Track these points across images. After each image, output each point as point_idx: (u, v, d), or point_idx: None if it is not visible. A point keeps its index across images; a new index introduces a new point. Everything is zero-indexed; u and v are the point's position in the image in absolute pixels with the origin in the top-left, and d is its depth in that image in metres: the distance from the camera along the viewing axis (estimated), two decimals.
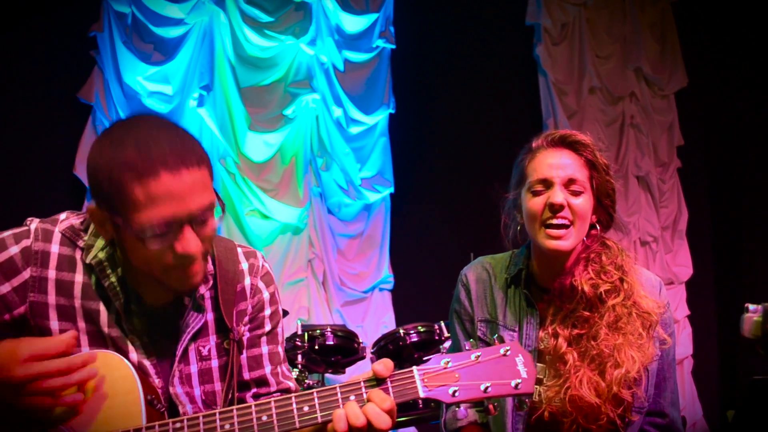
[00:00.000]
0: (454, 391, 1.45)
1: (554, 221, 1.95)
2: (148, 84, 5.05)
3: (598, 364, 1.92)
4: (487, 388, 1.46)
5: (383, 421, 1.42)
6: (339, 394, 1.46)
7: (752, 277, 5.93)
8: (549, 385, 1.99)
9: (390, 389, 1.47)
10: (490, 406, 1.49)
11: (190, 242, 1.48)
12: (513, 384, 1.46)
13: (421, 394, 1.45)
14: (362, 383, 1.47)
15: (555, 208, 1.95)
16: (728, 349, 6.11)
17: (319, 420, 1.44)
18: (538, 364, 2.03)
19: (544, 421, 1.99)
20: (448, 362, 1.48)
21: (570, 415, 1.93)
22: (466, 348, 1.52)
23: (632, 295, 1.96)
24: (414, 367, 1.49)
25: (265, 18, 5.31)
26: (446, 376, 1.47)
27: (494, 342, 1.53)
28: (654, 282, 2.08)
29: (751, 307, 1.51)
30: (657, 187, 6.10)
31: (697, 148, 6.35)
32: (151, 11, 5.05)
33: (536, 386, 2.01)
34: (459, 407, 1.49)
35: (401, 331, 3.96)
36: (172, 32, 5.14)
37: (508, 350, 1.50)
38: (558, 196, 1.95)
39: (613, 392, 1.89)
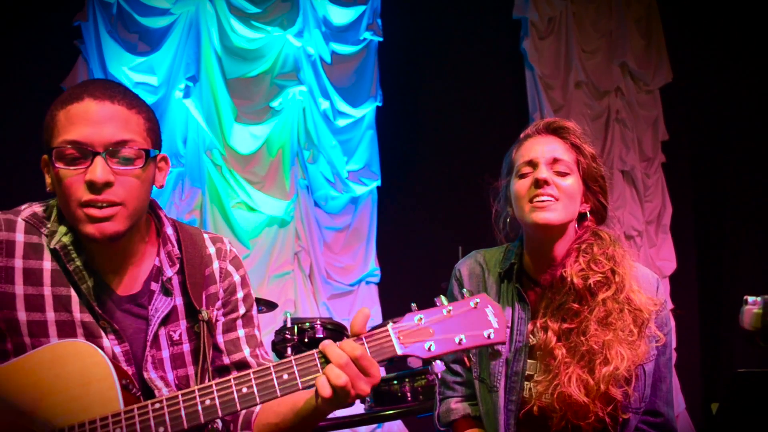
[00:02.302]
0: (430, 346, 1.48)
1: (541, 198, 1.96)
2: (134, 74, 5.00)
3: (587, 361, 1.90)
4: (461, 340, 1.49)
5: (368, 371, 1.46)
6: (317, 359, 1.48)
7: (735, 272, 6.00)
8: (539, 380, 1.98)
9: (367, 348, 1.47)
10: (465, 359, 1.55)
11: (97, 170, 1.50)
12: (486, 334, 1.50)
13: (399, 351, 1.47)
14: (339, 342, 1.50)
15: (540, 183, 1.96)
16: (710, 342, 6.18)
17: (300, 387, 1.46)
18: (529, 360, 2.02)
19: (533, 416, 1.98)
20: (421, 318, 1.50)
21: (559, 411, 1.92)
22: (437, 304, 1.54)
23: (624, 289, 1.95)
24: (389, 324, 1.49)
25: (251, 9, 5.27)
26: (421, 331, 1.49)
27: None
28: (651, 279, 2.07)
29: (750, 299, 1.51)
30: (642, 181, 6.13)
31: (681, 144, 6.39)
32: (136, 1, 5.00)
33: (526, 382, 2.01)
34: (435, 362, 1.51)
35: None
36: (157, 22, 5.08)
37: (477, 302, 1.52)
38: (543, 172, 1.97)
39: (602, 390, 1.88)
